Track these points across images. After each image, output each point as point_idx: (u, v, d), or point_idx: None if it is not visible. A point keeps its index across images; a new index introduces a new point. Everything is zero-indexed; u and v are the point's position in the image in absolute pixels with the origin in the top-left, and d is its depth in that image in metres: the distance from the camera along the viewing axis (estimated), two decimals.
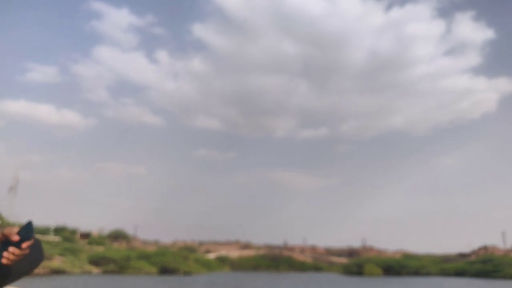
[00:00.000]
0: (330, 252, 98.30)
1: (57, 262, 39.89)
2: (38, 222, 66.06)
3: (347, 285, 38.88)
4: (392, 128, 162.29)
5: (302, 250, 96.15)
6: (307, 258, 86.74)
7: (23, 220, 51.28)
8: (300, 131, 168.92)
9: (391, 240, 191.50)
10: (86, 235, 64.00)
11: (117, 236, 68.13)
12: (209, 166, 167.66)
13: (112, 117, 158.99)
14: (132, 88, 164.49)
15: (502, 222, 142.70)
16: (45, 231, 56.65)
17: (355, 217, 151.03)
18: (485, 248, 77.78)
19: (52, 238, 50.04)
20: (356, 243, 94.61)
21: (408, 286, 39.11)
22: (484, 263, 63.02)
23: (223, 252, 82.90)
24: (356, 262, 67.36)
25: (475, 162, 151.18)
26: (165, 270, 47.90)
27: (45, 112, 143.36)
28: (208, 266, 61.25)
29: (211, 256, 75.74)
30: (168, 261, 49.55)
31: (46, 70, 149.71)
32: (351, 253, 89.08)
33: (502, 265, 59.95)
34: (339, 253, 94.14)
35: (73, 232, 63.06)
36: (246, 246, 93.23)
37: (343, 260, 79.99)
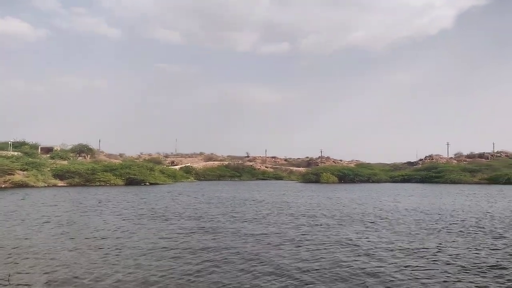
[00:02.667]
0: (289, 162, 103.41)
1: (19, 176, 39.86)
2: None
3: (305, 190, 41.81)
4: (352, 44, 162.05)
5: (264, 161, 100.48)
6: (268, 168, 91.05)
7: None
8: (263, 46, 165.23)
9: (347, 152, 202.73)
10: (48, 150, 63.30)
11: (81, 150, 67.80)
12: (172, 80, 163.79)
13: (65, 28, 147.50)
14: None
15: (448, 133, 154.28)
16: (3, 146, 55.37)
17: (313, 129, 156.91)
18: (430, 157, 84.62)
19: (12, 153, 49.23)
20: (314, 155, 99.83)
21: (357, 189, 42.74)
22: (428, 170, 69.36)
23: (188, 163, 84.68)
24: (314, 171, 71.34)
25: (430, 78, 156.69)
26: (131, 182, 48.68)
27: None
28: (173, 176, 62.37)
29: (177, 167, 77.23)
30: (134, 172, 50.04)
31: None
32: (309, 163, 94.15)
33: (444, 171, 66.26)
34: (298, 163, 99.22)
35: (34, 147, 62.14)
36: (210, 158, 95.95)
37: (302, 170, 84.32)
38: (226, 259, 10.12)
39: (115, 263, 9.50)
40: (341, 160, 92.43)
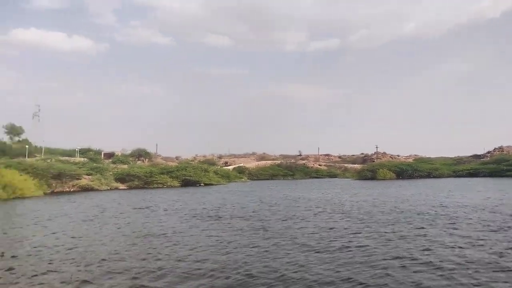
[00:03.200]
0: (343, 159, 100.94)
1: (85, 180, 42.46)
2: (64, 145, 69.29)
3: (361, 187, 40.64)
4: (404, 35, 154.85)
5: (317, 158, 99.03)
6: (321, 166, 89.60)
7: (49, 145, 52.51)
8: (310, 44, 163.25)
9: (404, 146, 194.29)
10: (110, 155, 67.13)
11: (140, 154, 71.08)
12: (223, 82, 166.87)
13: (123, 41, 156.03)
14: (138, 10, 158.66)
15: None
16: (70, 153, 59.54)
17: (367, 125, 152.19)
18: (501, 148, 77.60)
19: (78, 159, 52.59)
20: (369, 151, 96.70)
21: (418, 185, 40.74)
22: (498, 163, 63.56)
23: (241, 163, 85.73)
24: (369, 167, 69.14)
25: (490, 64, 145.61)
26: (187, 183, 50.02)
27: (57, 39, 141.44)
28: (227, 177, 63.42)
29: (230, 168, 78.36)
30: (189, 174, 51.47)
31: None
32: (364, 159, 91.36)
33: None
34: (353, 160, 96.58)
35: (98, 153, 66.13)
36: (263, 157, 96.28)
37: (357, 166, 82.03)
38: (272, 254, 10.00)
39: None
40: (398, 155, 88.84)
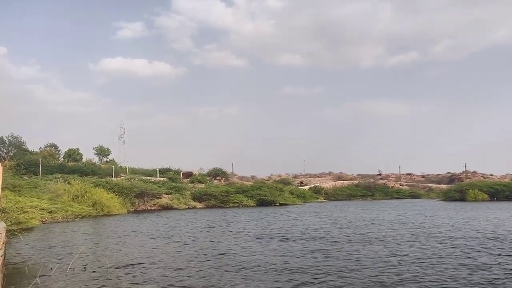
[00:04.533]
0: (427, 179, 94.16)
1: (165, 199, 44.64)
2: (146, 165, 74.31)
3: (447, 208, 37.28)
4: (492, 43, 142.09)
5: (398, 178, 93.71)
6: (403, 186, 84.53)
7: (132, 165, 56.38)
8: (388, 58, 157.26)
9: (497, 165, 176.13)
10: (188, 175, 70.33)
11: (216, 174, 73.45)
12: (297, 102, 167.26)
13: (199, 64, 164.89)
14: (213, 34, 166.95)
15: None
16: (152, 173, 63.57)
17: (453, 143, 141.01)
18: None
19: (159, 179, 55.72)
20: (456, 170, 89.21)
21: None
22: None
23: (317, 183, 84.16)
24: (457, 187, 63.50)
25: None
26: (262, 203, 50.01)
27: (140, 65, 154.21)
28: (303, 197, 62.45)
29: (306, 188, 77.27)
30: (264, 193, 51.37)
31: (133, 26, 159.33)
32: (451, 179, 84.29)
33: None
34: (438, 180, 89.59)
35: (177, 172, 69.75)
36: (340, 177, 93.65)
37: (443, 186, 75.92)
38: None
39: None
40: (491, 175, 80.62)
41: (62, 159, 66.15)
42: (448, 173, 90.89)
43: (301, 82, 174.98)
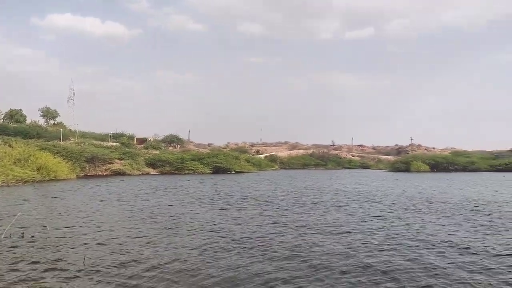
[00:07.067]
0: (377, 151, 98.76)
1: (117, 165, 44.00)
2: (97, 129, 72.07)
3: (393, 179, 39.61)
4: (444, 24, 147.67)
5: (350, 149, 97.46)
6: (354, 157, 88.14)
7: (83, 128, 54.39)
8: (345, 32, 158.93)
9: (440, 139, 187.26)
10: (142, 141, 69.20)
11: (172, 140, 72.79)
12: (256, 71, 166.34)
13: (156, 27, 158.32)
14: None
15: None
16: (104, 137, 61.84)
17: (403, 116, 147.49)
18: None
19: (111, 144, 54.45)
20: (404, 142, 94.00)
21: (452, 179, 39.15)
22: None
23: (273, 152, 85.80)
24: (403, 159, 67.36)
25: None
26: (218, 170, 50.43)
27: (91, 24, 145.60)
28: (258, 165, 63.52)
29: (262, 156, 78.62)
30: (220, 161, 51.76)
31: None
32: (399, 151, 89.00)
33: None
34: (387, 152, 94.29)
35: (130, 138, 68.34)
36: (295, 146, 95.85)
37: (390, 158, 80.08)
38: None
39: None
40: (434, 148, 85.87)
41: (3, 120, 62.18)
42: (396, 145, 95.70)
43: (261, 51, 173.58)
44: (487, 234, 11.30)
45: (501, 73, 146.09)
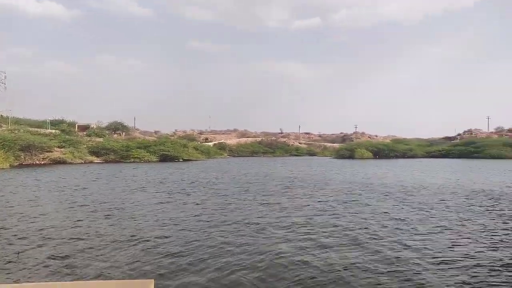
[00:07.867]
0: (324, 138, 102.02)
1: (57, 153, 41.75)
2: (34, 116, 67.53)
3: (337, 165, 41.10)
4: (385, 17, 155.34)
5: (297, 137, 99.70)
6: (301, 144, 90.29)
7: (17, 115, 50.70)
8: (293, 22, 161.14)
9: (383, 127, 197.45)
10: (84, 128, 66.00)
11: (116, 128, 70.14)
12: (204, 58, 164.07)
13: (97, 8, 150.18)
14: None
15: (488, 107, 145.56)
16: (42, 124, 58.04)
17: (348, 105, 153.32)
18: (470, 131, 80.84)
19: (50, 131, 51.43)
20: (349, 130, 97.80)
21: (391, 165, 41.44)
22: (467, 145, 66.37)
23: (222, 140, 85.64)
24: (348, 146, 70.02)
25: (464, 50, 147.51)
26: (165, 158, 49.46)
27: (25, 2, 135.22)
28: (207, 153, 63.08)
29: (210, 144, 78.20)
30: (168, 149, 50.80)
31: None
32: (344, 139, 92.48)
33: (483, 146, 63.23)
34: (333, 139, 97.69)
35: (71, 125, 64.83)
36: (244, 134, 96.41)
37: (336, 145, 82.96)
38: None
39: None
40: (376, 136, 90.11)
41: None
42: (341, 133, 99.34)
43: (208, 37, 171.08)
44: (413, 210, 12.12)
45: (438, 65, 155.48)
